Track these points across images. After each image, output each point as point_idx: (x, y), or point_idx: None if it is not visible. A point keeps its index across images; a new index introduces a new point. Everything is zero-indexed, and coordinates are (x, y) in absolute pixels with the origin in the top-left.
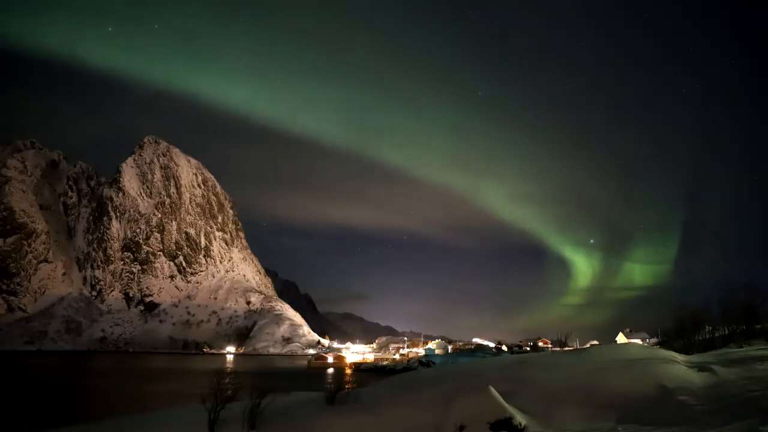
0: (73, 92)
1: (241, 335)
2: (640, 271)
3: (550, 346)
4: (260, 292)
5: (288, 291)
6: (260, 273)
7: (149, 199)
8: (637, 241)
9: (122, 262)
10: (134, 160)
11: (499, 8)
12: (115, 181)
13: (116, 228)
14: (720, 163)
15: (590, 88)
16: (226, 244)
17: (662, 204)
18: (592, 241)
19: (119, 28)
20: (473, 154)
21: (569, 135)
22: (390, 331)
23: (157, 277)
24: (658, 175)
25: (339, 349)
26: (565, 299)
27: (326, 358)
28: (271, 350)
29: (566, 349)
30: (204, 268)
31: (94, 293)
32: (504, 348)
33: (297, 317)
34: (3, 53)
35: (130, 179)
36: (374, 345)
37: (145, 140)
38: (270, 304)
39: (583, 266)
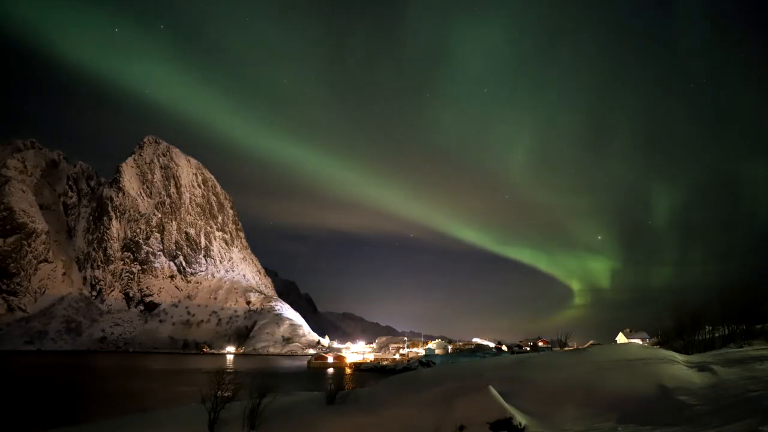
0: (75, 92)
1: (241, 335)
2: (639, 272)
3: (549, 346)
4: (260, 292)
5: (288, 291)
6: (260, 273)
7: (149, 199)
8: (637, 242)
9: (122, 262)
10: (134, 160)
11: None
12: (115, 181)
13: (116, 228)
14: (719, 160)
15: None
16: (226, 244)
17: (661, 203)
18: (599, 237)
19: (125, 28)
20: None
21: (580, 133)
22: (390, 331)
23: (157, 277)
24: (659, 173)
25: (339, 349)
26: (565, 299)
27: (326, 358)
28: (271, 350)
29: (566, 349)
30: (204, 268)
31: (94, 293)
32: (504, 348)
33: (297, 317)
34: (6, 53)
35: (130, 179)
36: (374, 345)
37: (145, 140)
38: (270, 304)
39: (584, 266)
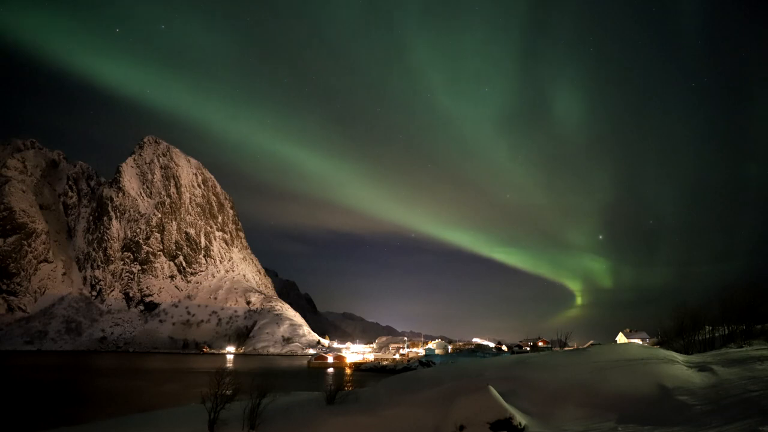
0: (75, 92)
1: (241, 335)
2: (639, 272)
3: (549, 346)
4: (260, 292)
5: (288, 291)
6: (260, 273)
7: (149, 199)
8: (638, 241)
9: (122, 262)
10: (134, 160)
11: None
12: (115, 181)
13: (116, 228)
14: (721, 160)
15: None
16: (226, 244)
17: (663, 203)
18: (600, 237)
19: (126, 28)
20: (474, 163)
21: (577, 136)
22: (390, 331)
23: (157, 277)
24: (660, 173)
25: (339, 349)
26: (565, 299)
27: (326, 358)
28: (271, 350)
29: (566, 349)
30: (204, 268)
31: (94, 293)
32: (504, 348)
33: (297, 317)
34: (6, 53)
35: (130, 179)
36: (374, 345)
37: (145, 140)
38: (270, 304)
39: (585, 267)
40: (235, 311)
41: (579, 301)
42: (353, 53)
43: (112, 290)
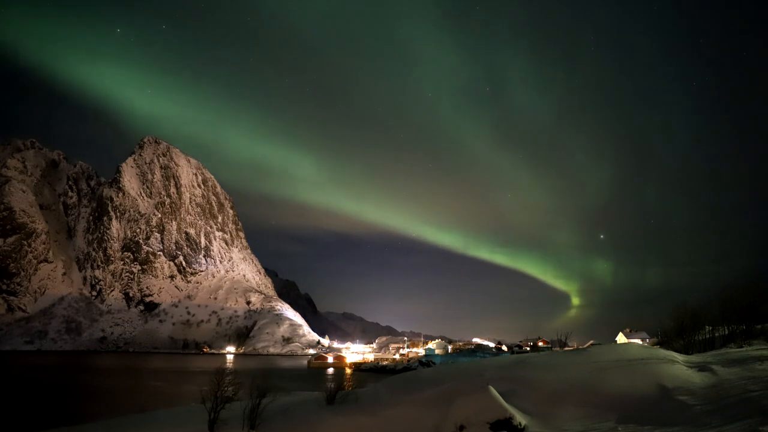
0: (75, 92)
1: (241, 335)
2: (639, 272)
3: (549, 346)
4: (260, 292)
5: (288, 291)
6: (260, 273)
7: (149, 199)
8: (638, 241)
9: (122, 262)
10: (134, 160)
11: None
12: (115, 181)
13: (116, 228)
14: (720, 160)
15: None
16: (226, 244)
17: (663, 203)
18: (602, 236)
19: (127, 29)
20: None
21: (577, 136)
22: (390, 331)
23: (157, 277)
24: (660, 173)
25: (339, 349)
26: (566, 299)
27: (326, 358)
28: (271, 350)
29: (566, 349)
30: (204, 268)
31: (94, 293)
32: (504, 348)
33: (297, 317)
34: (7, 53)
35: (130, 179)
36: (374, 345)
37: (145, 140)
38: (270, 304)
39: (585, 266)
40: (235, 311)
41: (579, 301)
42: (353, 54)
43: (112, 290)
